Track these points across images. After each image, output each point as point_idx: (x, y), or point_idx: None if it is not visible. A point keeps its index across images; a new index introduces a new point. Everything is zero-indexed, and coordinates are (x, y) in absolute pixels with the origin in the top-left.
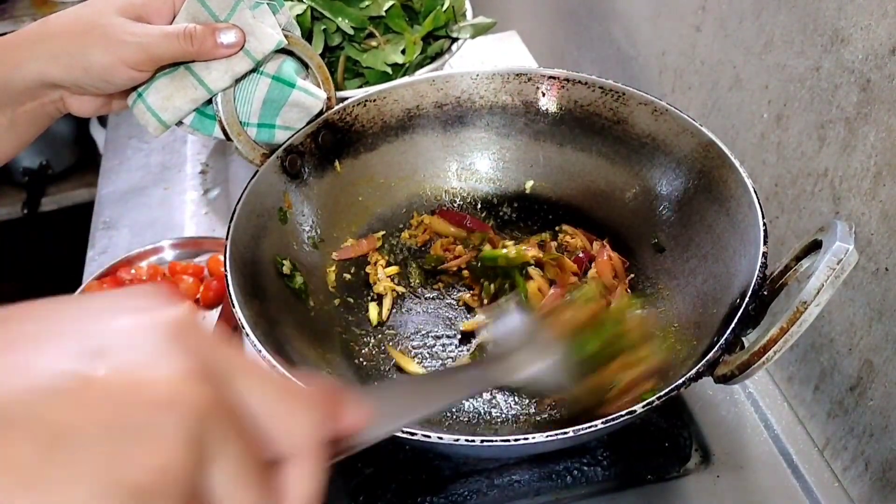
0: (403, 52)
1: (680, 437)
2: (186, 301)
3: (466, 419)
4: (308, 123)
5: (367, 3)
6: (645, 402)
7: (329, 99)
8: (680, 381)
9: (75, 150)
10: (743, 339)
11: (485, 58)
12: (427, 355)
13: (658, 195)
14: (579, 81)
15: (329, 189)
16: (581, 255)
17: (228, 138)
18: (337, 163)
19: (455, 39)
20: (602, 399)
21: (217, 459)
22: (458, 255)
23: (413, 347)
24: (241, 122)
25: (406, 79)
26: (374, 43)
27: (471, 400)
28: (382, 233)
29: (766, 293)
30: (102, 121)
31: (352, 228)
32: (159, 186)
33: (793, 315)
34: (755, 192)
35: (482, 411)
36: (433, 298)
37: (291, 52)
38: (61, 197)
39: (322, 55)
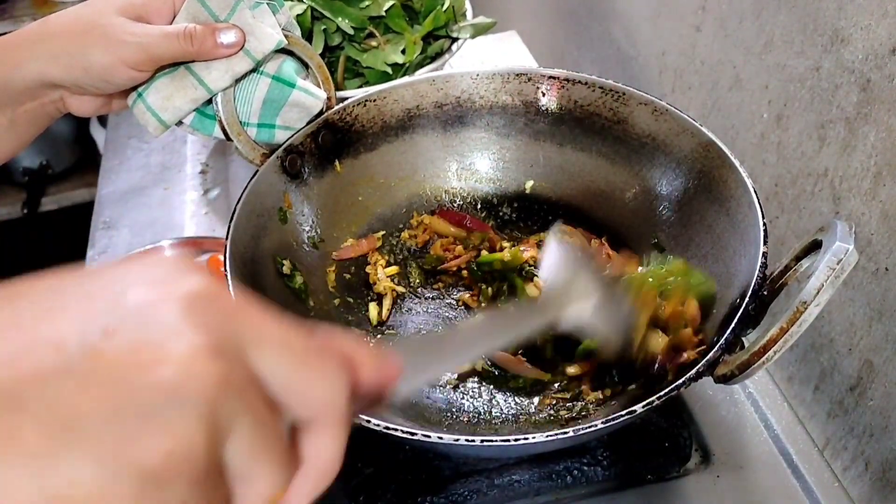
0: (403, 52)
1: (680, 437)
2: (206, 269)
3: (466, 419)
4: (308, 123)
5: (367, 3)
6: (645, 403)
7: (329, 99)
8: (680, 381)
9: (75, 150)
10: (743, 339)
11: (485, 58)
12: None
13: (658, 195)
14: (579, 81)
15: (329, 189)
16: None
17: (228, 138)
18: (337, 163)
19: (455, 39)
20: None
21: (233, 437)
22: (458, 256)
23: None
24: (241, 122)
25: (406, 79)
26: (374, 43)
27: (471, 400)
28: (382, 233)
29: (766, 293)
30: (102, 121)
31: (352, 228)
32: (159, 186)
33: (793, 315)
34: (755, 192)
35: (482, 411)
36: (433, 298)
37: (291, 52)
38: (61, 197)
39: (322, 55)
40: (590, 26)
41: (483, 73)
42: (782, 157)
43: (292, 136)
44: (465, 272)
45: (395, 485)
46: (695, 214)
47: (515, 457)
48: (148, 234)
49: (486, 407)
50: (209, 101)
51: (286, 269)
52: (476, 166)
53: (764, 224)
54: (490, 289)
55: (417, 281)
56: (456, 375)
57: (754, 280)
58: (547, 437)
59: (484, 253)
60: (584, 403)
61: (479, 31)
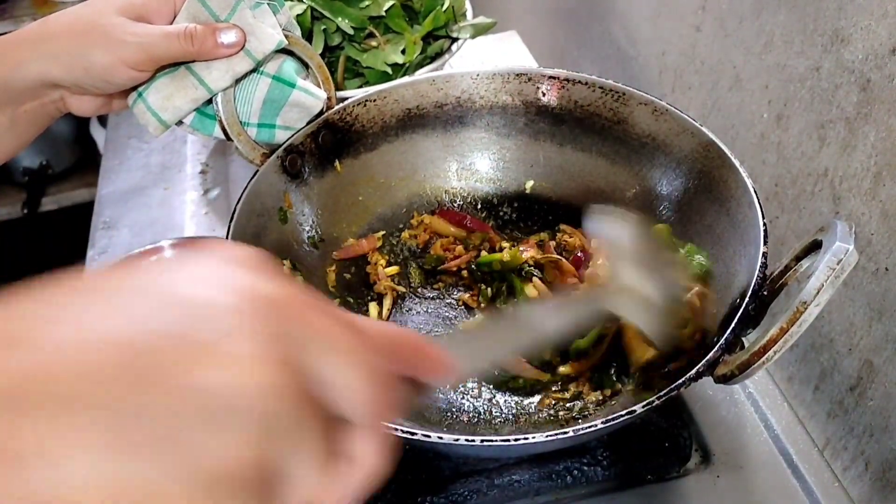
0: (403, 52)
1: (680, 437)
2: (281, 274)
3: (466, 419)
4: (308, 123)
5: (367, 3)
6: (645, 402)
7: (329, 99)
8: (680, 381)
9: (75, 150)
10: (743, 339)
11: (485, 58)
12: None
13: (658, 195)
14: (579, 81)
15: (329, 189)
16: (580, 254)
17: (228, 138)
18: (337, 163)
19: (455, 39)
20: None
21: (292, 445)
22: (458, 256)
23: None
24: (241, 122)
25: (406, 79)
26: (374, 43)
27: (471, 400)
28: (382, 233)
29: (766, 293)
30: (102, 121)
31: (352, 228)
32: (159, 186)
33: (793, 315)
34: (755, 192)
35: (482, 411)
36: (433, 298)
37: (292, 52)
38: (61, 197)
39: (322, 55)
40: (590, 26)
41: (483, 73)
42: (782, 157)
43: (292, 136)
44: (465, 272)
45: (395, 485)
46: (695, 214)
47: (515, 457)
48: (148, 234)
49: (486, 407)
50: (209, 101)
51: (286, 269)
52: (476, 166)
53: (764, 224)
54: (489, 289)
55: (417, 281)
56: None
57: (754, 280)
58: (547, 437)
59: (484, 253)
60: (583, 403)
61: (479, 31)
